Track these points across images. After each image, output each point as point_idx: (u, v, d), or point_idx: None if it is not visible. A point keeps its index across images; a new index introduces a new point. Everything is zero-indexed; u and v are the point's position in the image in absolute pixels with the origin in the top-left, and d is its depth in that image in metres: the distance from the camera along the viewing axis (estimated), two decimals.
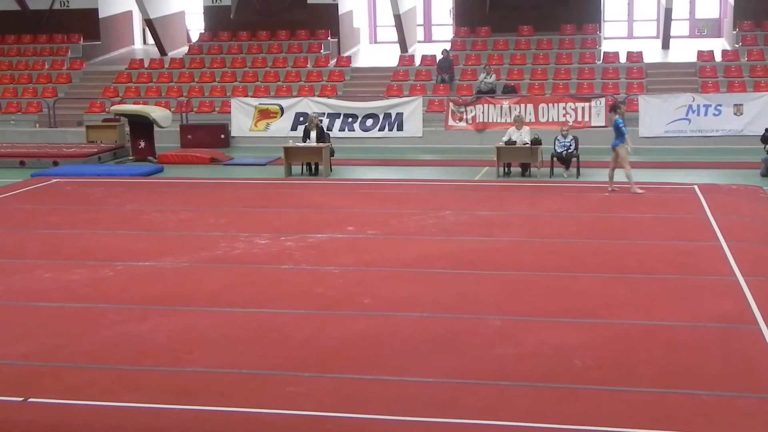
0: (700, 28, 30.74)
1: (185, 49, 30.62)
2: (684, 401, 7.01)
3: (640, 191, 15.62)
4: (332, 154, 19.52)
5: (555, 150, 18.41)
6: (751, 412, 6.81)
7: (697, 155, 20.96)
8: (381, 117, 23.84)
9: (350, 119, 23.94)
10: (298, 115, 23.87)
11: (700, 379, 7.39)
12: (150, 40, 32.33)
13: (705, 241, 12.28)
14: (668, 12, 27.30)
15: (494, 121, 23.13)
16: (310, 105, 23.97)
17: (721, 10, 30.39)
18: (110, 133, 23.61)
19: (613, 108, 16.49)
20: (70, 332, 8.81)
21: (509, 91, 24.55)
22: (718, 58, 25.81)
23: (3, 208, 15.73)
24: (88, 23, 30.59)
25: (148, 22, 30.27)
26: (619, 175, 16.01)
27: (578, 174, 18.22)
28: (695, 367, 7.63)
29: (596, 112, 22.72)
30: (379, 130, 23.85)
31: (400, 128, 23.75)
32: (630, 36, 30.91)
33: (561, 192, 16.60)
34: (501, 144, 18.56)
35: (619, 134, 15.71)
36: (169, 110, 23.59)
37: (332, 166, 19.42)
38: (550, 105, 23.07)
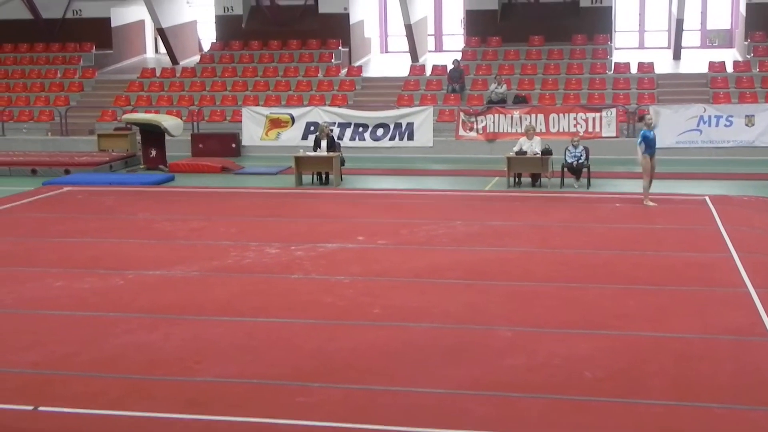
0: (712, 39, 30.68)
1: (197, 58, 30.73)
2: (695, 414, 6.98)
3: (651, 204, 15.59)
4: (343, 163, 19.53)
5: (566, 160, 18.38)
6: (763, 425, 6.78)
7: (709, 166, 20.90)
8: (392, 126, 23.86)
9: (361, 129, 23.97)
10: (308, 124, 23.92)
11: (711, 391, 7.36)
12: (162, 49, 32.48)
13: (716, 253, 12.23)
14: (679, 23, 27.27)
15: (505, 131, 23.12)
16: (321, 114, 24.01)
17: (732, 20, 30.34)
18: (122, 142, 23.69)
19: (640, 119, 16.42)
20: (81, 341, 8.83)
21: (520, 101, 24.55)
22: (729, 68, 25.76)
23: (14, 216, 15.79)
24: (101, 32, 30.76)
25: (160, 32, 30.40)
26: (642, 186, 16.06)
27: (589, 185, 18.18)
28: (706, 380, 7.60)
29: (607, 123, 22.70)
30: (390, 139, 23.88)
31: (410, 138, 23.77)
32: (641, 46, 30.87)
33: (571, 202, 16.57)
34: (512, 154, 18.55)
35: (648, 144, 15.71)
36: (181, 119, 23.67)
37: (343, 176, 19.44)
38: (561, 115, 23.06)
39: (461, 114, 23.74)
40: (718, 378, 7.64)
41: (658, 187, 16.49)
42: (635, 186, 16.29)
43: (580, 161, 18.26)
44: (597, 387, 7.49)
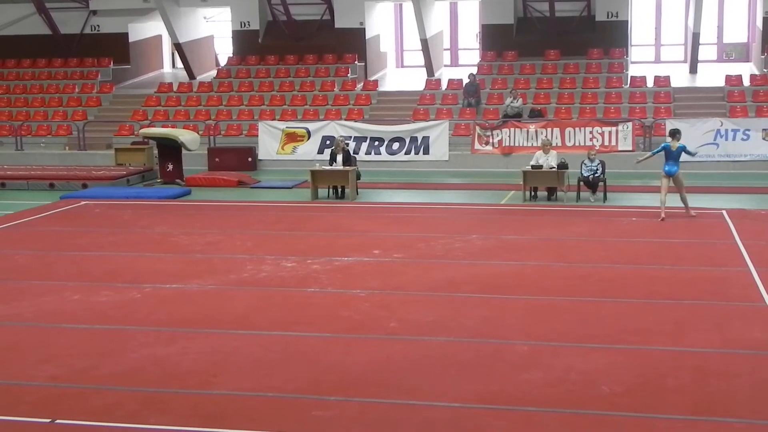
0: (728, 53, 30.60)
1: (213, 72, 30.89)
2: (713, 429, 6.93)
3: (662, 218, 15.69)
4: (358, 177, 19.56)
5: (582, 174, 18.35)
6: None
7: (725, 180, 20.82)
8: (407, 140, 23.89)
9: (377, 143, 24.01)
10: (324, 138, 23.99)
11: (729, 406, 7.31)
12: (179, 63, 32.66)
13: (734, 267, 12.18)
14: (696, 36, 27.23)
15: (520, 145, 23.12)
16: (337, 128, 24.08)
17: (749, 34, 30.25)
18: (139, 156, 23.84)
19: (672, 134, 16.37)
20: (98, 354, 8.86)
21: (536, 115, 24.54)
22: (746, 82, 25.69)
23: (32, 230, 15.88)
24: (119, 47, 30.99)
25: (177, 47, 30.58)
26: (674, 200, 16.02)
27: (605, 198, 18.14)
28: (725, 395, 7.56)
29: (623, 137, 22.66)
30: (406, 153, 23.91)
31: (426, 152, 23.79)
32: (657, 60, 30.81)
33: (588, 216, 16.53)
34: (528, 168, 18.53)
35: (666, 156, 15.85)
36: (197, 133, 23.77)
37: (358, 190, 19.46)
38: (577, 129, 23.05)
39: (477, 128, 23.75)
40: (736, 393, 7.59)
41: (675, 200, 16.35)
42: (652, 200, 16.24)
43: (597, 175, 18.21)
44: (614, 402, 7.45)
